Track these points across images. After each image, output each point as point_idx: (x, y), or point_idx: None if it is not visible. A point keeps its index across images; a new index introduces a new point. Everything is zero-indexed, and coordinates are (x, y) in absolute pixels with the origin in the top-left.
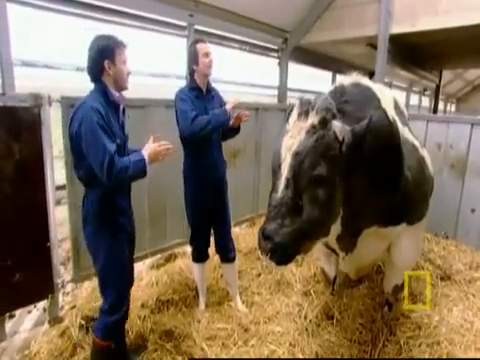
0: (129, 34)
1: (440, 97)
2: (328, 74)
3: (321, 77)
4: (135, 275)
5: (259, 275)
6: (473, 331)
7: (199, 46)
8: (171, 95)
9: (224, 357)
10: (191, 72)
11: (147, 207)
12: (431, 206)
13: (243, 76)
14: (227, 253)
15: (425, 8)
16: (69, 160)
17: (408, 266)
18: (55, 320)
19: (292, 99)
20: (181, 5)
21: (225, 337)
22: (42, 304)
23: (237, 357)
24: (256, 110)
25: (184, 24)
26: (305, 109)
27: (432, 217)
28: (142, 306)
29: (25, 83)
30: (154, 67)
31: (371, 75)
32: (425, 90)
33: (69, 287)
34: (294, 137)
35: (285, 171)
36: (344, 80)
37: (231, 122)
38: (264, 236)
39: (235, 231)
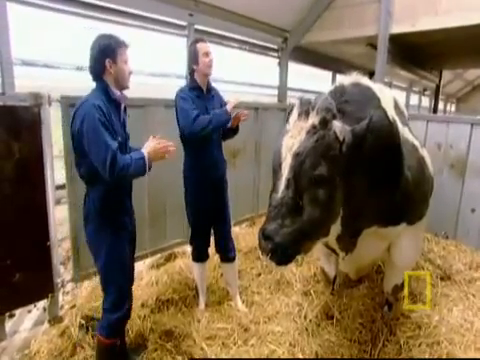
0: (129, 33)
1: (440, 97)
2: (328, 74)
3: (321, 77)
4: (135, 275)
5: (259, 275)
6: (473, 331)
7: (199, 46)
8: (171, 95)
9: (224, 357)
10: (191, 72)
11: (147, 207)
12: (431, 206)
13: (243, 76)
14: (227, 253)
15: (425, 8)
16: (69, 159)
17: (408, 266)
18: (55, 319)
19: (292, 99)
20: (181, 4)
21: (225, 337)
22: (42, 303)
23: (237, 357)
24: (256, 110)
25: (184, 23)
26: (305, 109)
27: (432, 217)
28: (142, 306)
29: (25, 82)
30: (154, 67)
31: (371, 75)
32: (425, 90)
33: (69, 286)
34: (294, 137)
35: (286, 171)
36: (344, 80)
37: (230, 122)
38: (264, 236)
39: (235, 231)
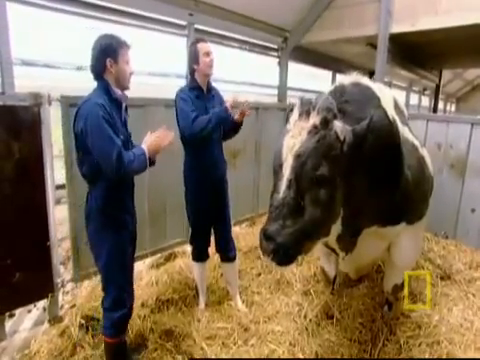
0: (129, 33)
1: (440, 97)
2: (328, 73)
3: (321, 76)
4: (135, 274)
5: (259, 274)
6: (473, 330)
7: (200, 45)
8: (171, 94)
9: (224, 357)
10: (192, 71)
11: (147, 206)
12: (431, 206)
13: (243, 75)
14: (227, 252)
15: (425, 8)
16: (69, 159)
17: (408, 266)
18: (55, 319)
19: (292, 98)
20: (181, 4)
21: (225, 336)
22: (42, 303)
23: (237, 357)
24: (256, 109)
25: (184, 23)
26: (306, 109)
27: (432, 217)
28: (142, 305)
29: (25, 82)
30: (154, 66)
31: (371, 74)
32: (425, 90)
33: (69, 286)
34: (295, 137)
35: (287, 172)
36: (344, 80)
37: (236, 117)
38: (266, 237)
39: (235, 230)
